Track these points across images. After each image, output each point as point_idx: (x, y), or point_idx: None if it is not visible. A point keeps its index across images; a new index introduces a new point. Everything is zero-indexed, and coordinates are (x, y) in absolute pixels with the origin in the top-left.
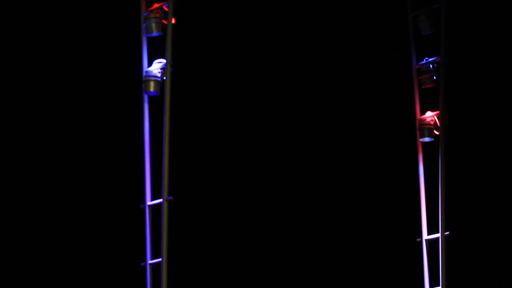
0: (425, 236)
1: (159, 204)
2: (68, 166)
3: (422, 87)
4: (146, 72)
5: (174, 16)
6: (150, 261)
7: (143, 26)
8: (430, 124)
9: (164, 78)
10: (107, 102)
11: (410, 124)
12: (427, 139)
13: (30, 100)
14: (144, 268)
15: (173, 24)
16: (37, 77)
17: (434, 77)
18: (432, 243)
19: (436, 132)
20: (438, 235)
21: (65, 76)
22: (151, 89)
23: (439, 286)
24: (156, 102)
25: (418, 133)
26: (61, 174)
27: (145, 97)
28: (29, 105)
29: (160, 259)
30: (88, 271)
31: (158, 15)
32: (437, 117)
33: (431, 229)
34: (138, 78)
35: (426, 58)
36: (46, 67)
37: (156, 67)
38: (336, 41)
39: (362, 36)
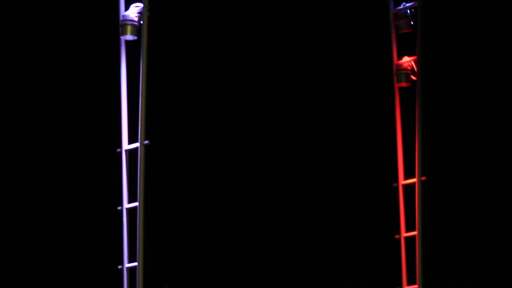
0: (402, 181)
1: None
2: (47, 111)
3: (399, 32)
4: (123, 16)
5: None
6: (126, 205)
7: None
8: (407, 69)
9: (141, 22)
10: (84, 47)
11: (387, 69)
12: (404, 84)
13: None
14: (120, 212)
15: None
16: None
17: (412, 22)
18: (408, 188)
19: (413, 78)
20: (415, 180)
21: (39, 22)
22: (128, 33)
23: (414, 230)
24: (133, 46)
25: (395, 78)
26: (40, 122)
27: (122, 42)
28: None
29: (136, 203)
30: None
31: None
32: (414, 62)
33: (408, 174)
34: (115, 22)
35: (403, 4)
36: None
37: (133, 11)
38: None
39: None
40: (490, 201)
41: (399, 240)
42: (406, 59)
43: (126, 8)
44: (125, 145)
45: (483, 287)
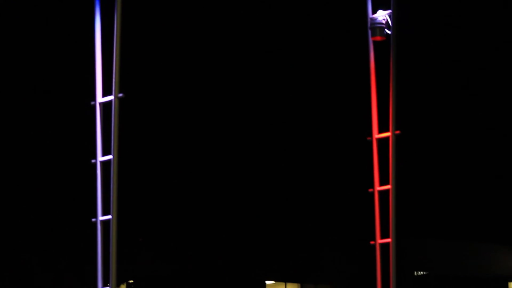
0: (376, 134)
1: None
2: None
3: None
4: None
5: None
6: (100, 159)
7: None
8: (381, 23)
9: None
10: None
11: (361, 23)
12: (378, 38)
13: None
14: (95, 166)
15: None
16: None
17: None
18: (382, 142)
19: (388, 31)
20: (389, 134)
21: None
22: None
23: (388, 184)
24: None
25: (369, 32)
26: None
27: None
28: None
29: (110, 156)
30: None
31: None
32: (389, 16)
33: (382, 128)
34: None
35: None
36: None
37: None
38: None
39: None
40: (462, 156)
41: (372, 194)
42: (380, 13)
43: None
44: (99, 98)
45: (459, 238)
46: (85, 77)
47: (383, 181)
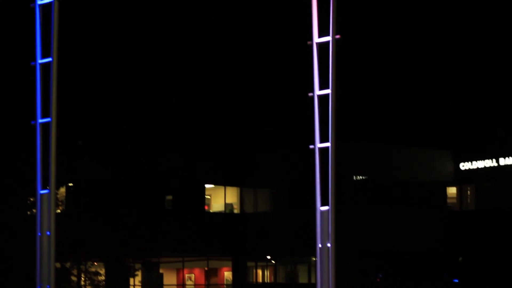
0: (316, 39)
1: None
2: None
3: None
4: None
5: None
6: (40, 61)
7: None
8: None
9: None
10: None
11: None
12: None
13: None
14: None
15: None
16: None
17: None
18: (322, 47)
19: None
20: (329, 38)
21: None
22: None
23: (328, 88)
24: None
25: None
26: None
27: None
28: None
29: (50, 59)
30: None
31: None
32: None
33: (322, 33)
34: None
35: None
36: None
37: None
38: None
39: None
40: (401, 62)
41: (312, 99)
42: None
43: None
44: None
45: (398, 143)
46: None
47: (323, 86)
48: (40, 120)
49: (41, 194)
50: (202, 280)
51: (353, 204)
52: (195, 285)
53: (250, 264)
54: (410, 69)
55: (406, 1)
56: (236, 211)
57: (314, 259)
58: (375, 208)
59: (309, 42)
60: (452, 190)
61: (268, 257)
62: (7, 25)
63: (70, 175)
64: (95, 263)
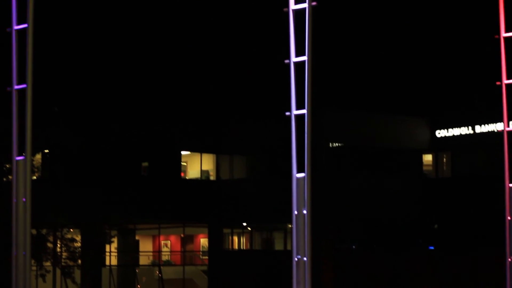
0: (292, 5)
1: None
2: None
3: None
4: None
5: None
6: (16, 27)
7: None
8: None
9: None
10: None
11: None
12: None
13: None
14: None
15: None
16: None
17: None
18: (298, 14)
19: None
20: (305, 5)
21: None
22: None
23: (305, 55)
24: None
25: None
26: None
27: None
28: None
29: (26, 25)
30: None
31: None
32: None
33: (298, 1)
34: None
35: None
36: None
37: None
38: None
39: None
40: (381, 26)
41: (288, 65)
42: None
43: None
44: None
45: (374, 110)
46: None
47: (299, 53)
48: (16, 87)
49: (17, 161)
50: (178, 247)
51: (329, 171)
52: (171, 251)
53: (226, 231)
54: (387, 35)
55: None
56: (212, 178)
57: (290, 226)
58: (351, 175)
59: (285, 9)
60: (428, 158)
61: (244, 224)
62: None
63: (46, 141)
64: (71, 230)
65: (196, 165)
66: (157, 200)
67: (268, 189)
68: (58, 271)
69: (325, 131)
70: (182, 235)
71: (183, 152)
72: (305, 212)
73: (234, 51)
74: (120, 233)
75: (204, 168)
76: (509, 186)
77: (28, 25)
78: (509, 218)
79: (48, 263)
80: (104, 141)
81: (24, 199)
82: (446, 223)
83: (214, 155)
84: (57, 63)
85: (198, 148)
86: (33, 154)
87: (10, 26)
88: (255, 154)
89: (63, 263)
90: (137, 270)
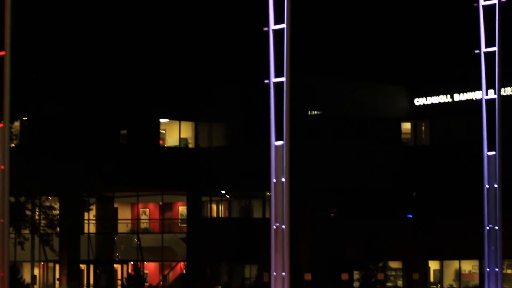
0: None
1: None
2: None
3: None
4: None
5: None
6: None
7: None
8: None
9: None
10: None
11: None
12: None
13: None
14: None
15: None
16: None
17: None
18: None
19: None
20: None
21: None
22: None
23: (283, 23)
24: None
25: None
26: None
27: None
28: None
29: None
30: None
31: None
32: None
33: None
34: None
35: None
36: None
37: None
38: None
39: None
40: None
41: (267, 33)
42: None
43: None
44: None
45: (352, 78)
46: None
47: (278, 20)
48: None
49: None
50: (156, 215)
51: (307, 139)
52: (149, 219)
53: (204, 198)
54: (367, 3)
55: None
56: (190, 145)
57: (268, 194)
58: (329, 143)
59: None
60: (406, 126)
61: (223, 191)
62: None
63: (25, 109)
64: (50, 198)
65: (174, 133)
66: (135, 168)
67: (247, 157)
68: (37, 239)
69: (303, 99)
70: (160, 203)
71: (161, 120)
72: (283, 180)
73: (213, 18)
74: (99, 200)
75: (182, 135)
76: (487, 154)
77: None
78: (487, 186)
79: (27, 231)
80: (83, 109)
81: (2, 167)
82: (424, 192)
83: (193, 123)
84: (37, 30)
85: (176, 115)
86: (12, 122)
87: None
88: (234, 122)
89: (41, 231)
90: (115, 238)
